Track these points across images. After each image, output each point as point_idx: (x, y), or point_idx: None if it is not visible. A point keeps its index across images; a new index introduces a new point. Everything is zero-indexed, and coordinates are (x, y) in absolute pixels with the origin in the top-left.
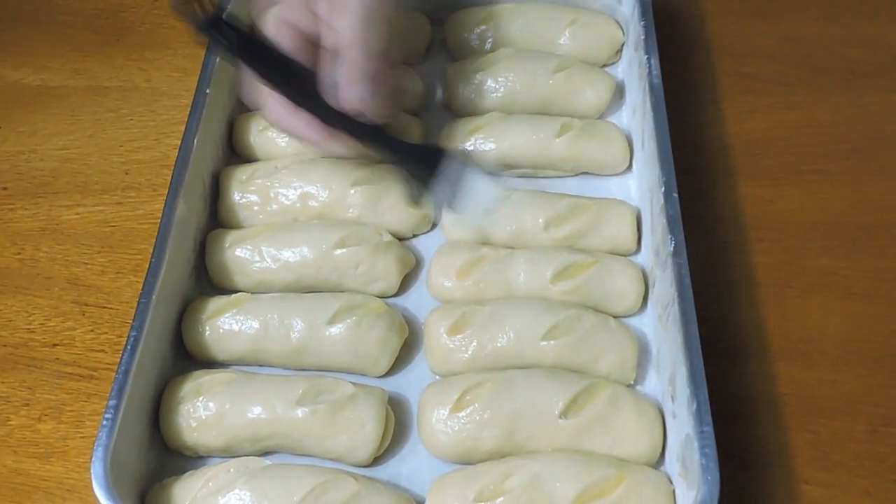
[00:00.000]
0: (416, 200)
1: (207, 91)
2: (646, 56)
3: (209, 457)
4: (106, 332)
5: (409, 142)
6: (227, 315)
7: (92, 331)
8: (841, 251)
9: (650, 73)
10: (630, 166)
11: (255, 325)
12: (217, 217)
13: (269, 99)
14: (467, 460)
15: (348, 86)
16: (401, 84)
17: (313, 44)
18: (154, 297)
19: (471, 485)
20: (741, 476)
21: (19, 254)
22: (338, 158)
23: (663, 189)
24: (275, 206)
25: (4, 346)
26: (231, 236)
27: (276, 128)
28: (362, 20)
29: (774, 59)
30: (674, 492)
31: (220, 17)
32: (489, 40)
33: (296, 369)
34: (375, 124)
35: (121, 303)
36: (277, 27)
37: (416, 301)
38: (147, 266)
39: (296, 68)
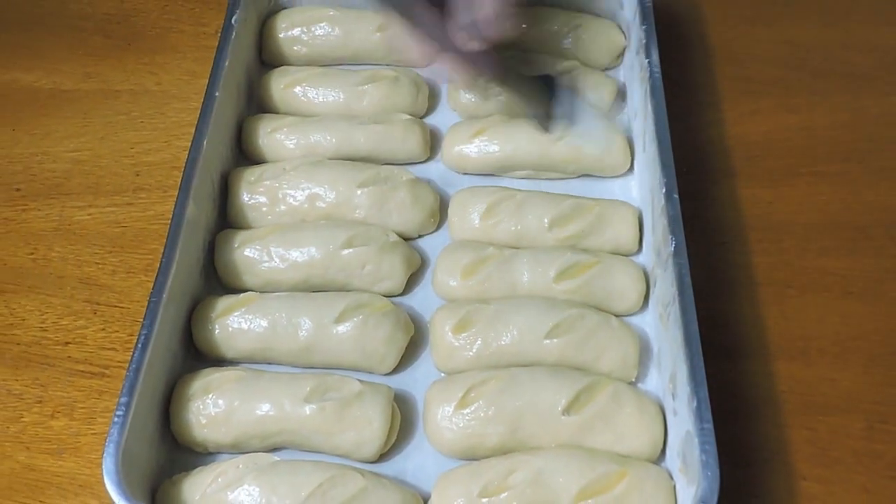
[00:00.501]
0: (542, 124)
1: (217, 94)
2: (647, 60)
3: (218, 453)
4: (117, 331)
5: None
6: (236, 314)
7: (103, 329)
8: (839, 251)
9: (651, 76)
10: (631, 168)
11: (264, 323)
12: (226, 217)
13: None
14: (472, 456)
15: (497, 17)
16: None
17: None
18: (164, 296)
19: (475, 480)
20: (741, 472)
21: (32, 253)
22: (347, 160)
23: (664, 190)
24: (283, 207)
25: (18, 344)
26: (240, 236)
27: (422, 61)
28: None
29: (773, 63)
30: (674, 487)
31: None
32: None
33: (304, 367)
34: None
35: (132, 302)
36: None
37: (421, 300)
38: (157, 266)
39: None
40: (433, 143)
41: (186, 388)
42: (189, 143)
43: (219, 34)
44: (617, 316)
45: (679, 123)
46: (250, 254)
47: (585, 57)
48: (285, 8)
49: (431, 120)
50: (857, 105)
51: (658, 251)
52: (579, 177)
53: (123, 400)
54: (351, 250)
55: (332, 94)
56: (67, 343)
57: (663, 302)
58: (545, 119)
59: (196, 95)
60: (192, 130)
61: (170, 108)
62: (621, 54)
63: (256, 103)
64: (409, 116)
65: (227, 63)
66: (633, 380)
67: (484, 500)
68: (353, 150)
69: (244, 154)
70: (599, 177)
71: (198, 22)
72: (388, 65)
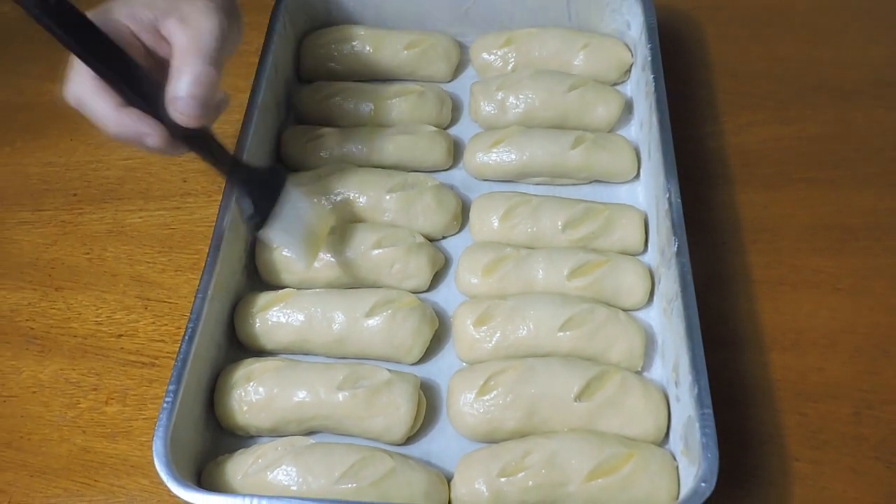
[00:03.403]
0: (248, 219)
1: (257, 107)
2: (652, 76)
3: (259, 436)
4: (166, 325)
5: (250, 165)
6: (275, 308)
7: (153, 323)
8: (829, 251)
9: (656, 90)
10: (638, 175)
11: (301, 317)
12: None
13: (103, 98)
14: (491, 439)
15: (191, 99)
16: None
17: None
18: (209, 292)
19: (495, 461)
20: (738, 454)
21: (88, 253)
22: (376, 167)
23: (668, 195)
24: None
25: (75, 336)
26: None
27: (109, 130)
28: (212, 34)
29: (769, 79)
30: (677, 468)
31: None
32: (511, 61)
33: (337, 357)
34: (210, 136)
35: (179, 298)
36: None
37: (445, 296)
38: (203, 265)
39: (137, 72)
40: (456, 151)
41: (229, 376)
42: (231, 153)
43: (259, 53)
44: (624, 310)
45: (681, 134)
46: (288, 253)
47: (595, 73)
48: (320, 28)
49: (454, 130)
50: (845, 117)
51: (662, 251)
52: (590, 183)
53: (172, 388)
54: (380, 250)
55: (364, 107)
56: (120, 335)
57: (667, 297)
58: (250, 208)
59: (238, 109)
60: (235, 141)
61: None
62: (628, 70)
63: (294, 116)
64: (434, 128)
65: (266, 79)
66: (640, 369)
67: (502, 479)
68: (382, 158)
69: (282, 163)
70: (609, 183)
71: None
72: (414, 80)
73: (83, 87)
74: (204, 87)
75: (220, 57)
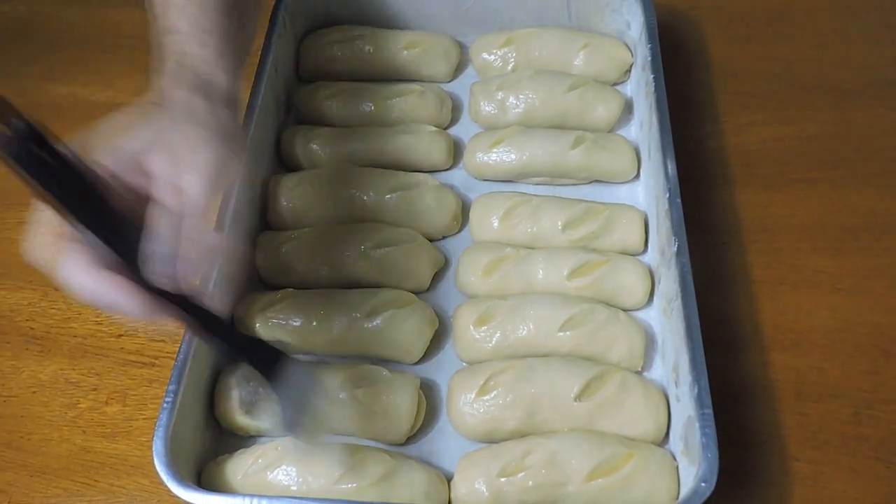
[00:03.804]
0: (245, 408)
1: (258, 107)
2: (652, 76)
3: (259, 436)
4: (166, 324)
5: (246, 335)
6: (276, 308)
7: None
8: (828, 251)
9: (656, 90)
10: (638, 175)
11: (301, 317)
12: (267, 220)
13: (74, 260)
14: (491, 439)
15: (167, 259)
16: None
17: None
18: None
19: (495, 461)
20: (738, 454)
21: None
22: (377, 167)
23: (668, 195)
24: (319, 211)
25: (75, 336)
26: (280, 238)
27: (81, 299)
28: (211, 182)
29: (768, 79)
30: (677, 468)
31: (33, 135)
32: (511, 61)
33: (337, 357)
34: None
35: None
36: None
37: (445, 296)
38: None
39: (116, 220)
40: (456, 151)
41: (229, 376)
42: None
43: (260, 53)
44: (624, 310)
45: (681, 134)
46: (289, 254)
47: (595, 73)
48: (320, 28)
49: (454, 131)
50: (845, 117)
51: (662, 251)
52: (590, 183)
53: (172, 388)
54: (381, 250)
55: (364, 107)
56: (120, 335)
57: (667, 297)
58: (248, 390)
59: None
60: None
61: None
62: (628, 70)
63: (294, 115)
64: (434, 128)
65: (267, 79)
66: (640, 369)
67: (502, 479)
68: (382, 158)
69: (283, 162)
70: (609, 183)
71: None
72: (414, 80)
73: (50, 245)
74: (187, 242)
75: (211, 201)
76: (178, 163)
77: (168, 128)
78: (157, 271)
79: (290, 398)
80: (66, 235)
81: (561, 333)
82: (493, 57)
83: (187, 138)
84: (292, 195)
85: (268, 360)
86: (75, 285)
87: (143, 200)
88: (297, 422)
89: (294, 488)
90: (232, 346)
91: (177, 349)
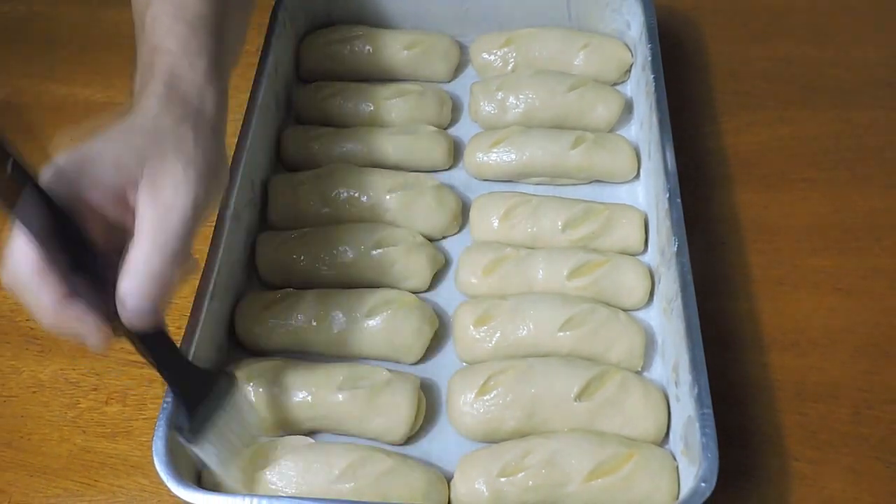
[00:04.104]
0: (182, 432)
1: (257, 107)
2: (652, 76)
3: (259, 436)
4: (167, 324)
5: (189, 362)
6: (275, 308)
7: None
8: (828, 251)
9: (656, 90)
10: (638, 175)
11: (301, 317)
12: (266, 220)
13: (46, 286)
14: (491, 439)
15: (143, 300)
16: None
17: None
18: (209, 292)
19: (495, 461)
20: (738, 453)
21: None
22: (365, 167)
23: (668, 195)
24: (318, 211)
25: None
26: (279, 238)
27: (44, 323)
28: (183, 216)
29: (768, 79)
30: (678, 468)
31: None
32: (511, 61)
33: (337, 357)
34: (163, 333)
35: (180, 297)
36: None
37: (445, 296)
38: (203, 265)
39: (89, 252)
40: (456, 151)
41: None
42: (231, 153)
43: (259, 52)
44: (624, 310)
45: (681, 134)
46: (289, 254)
47: (595, 73)
48: (320, 28)
49: (454, 131)
50: (844, 117)
51: (662, 251)
52: (590, 183)
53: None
54: (381, 250)
55: (364, 107)
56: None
57: (667, 297)
58: (185, 418)
59: (238, 108)
60: (235, 141)
61: None
62: (628, 70)
63: (294, 115)
64: (434, 128)
65: (266, 79)
66: (640, 369)
67: (502, 479)
68: (382, 158)
69: (282, 162)
70: (609, 183)
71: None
72: (414, 80)
73: (24, 270)
74: (160, 286)
75: (188, 243)
76: (158, 202)
77: (154, 160)
78: (128, 309)
79: (225, 431)
80: (41, 262)
81: (561, 333)
82: (493, 57)
83: (173, 175)
84: (292, 195)
85: (215, 392)
86: (43, 311)
87: (117, 228)
88: (228, 455)
89: (294, 488)
90: (181, 379)
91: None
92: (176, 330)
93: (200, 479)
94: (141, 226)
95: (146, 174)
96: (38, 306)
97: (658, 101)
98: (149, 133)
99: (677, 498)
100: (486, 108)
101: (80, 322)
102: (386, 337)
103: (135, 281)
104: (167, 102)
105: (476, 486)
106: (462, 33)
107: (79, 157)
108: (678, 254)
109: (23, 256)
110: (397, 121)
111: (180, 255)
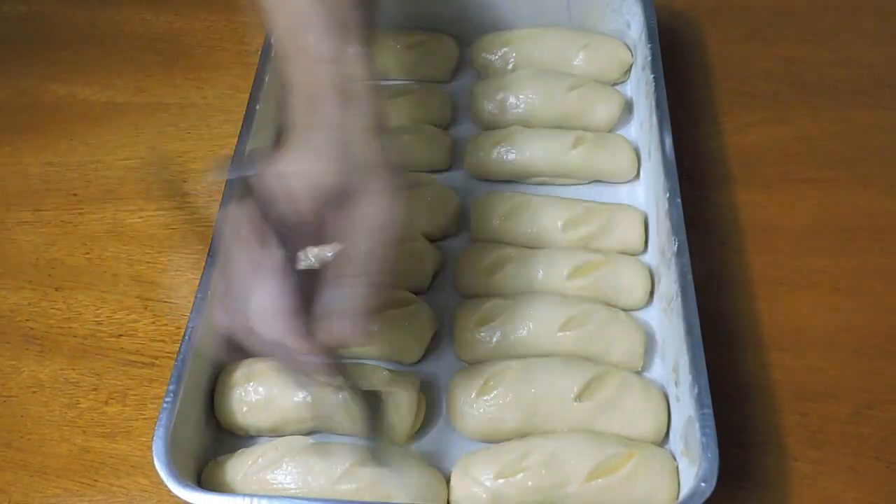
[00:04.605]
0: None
1: (257, 107)
2: (652, 76)
3: (259, 436)
4: (166, 325)
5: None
6: None
7: (153, 323)
8: (828, 251)
9: (656, 90)
10: (638, 175)
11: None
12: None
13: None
14: (491, 439)
15: (353, 316)
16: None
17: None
18: (209, 292)
19: (494, 462)
20: (738, 453)
21: (88, 253)
22: None
23: (668, 195)
24: None
25: (75, 336)
26: None
27: (268, 336)
28: (387, 245)
29: (768, 79)
30: (678, 468)
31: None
32: (511, 61)
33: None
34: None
35: (180, 298)
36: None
37: (445, 296)
38: (203, 265)
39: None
40: (456, 151)
41: (229, 376)
42: (232, 153)
43: (259, 52)
44: (624, 310)
45: (681, 134)
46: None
47: (595, 73)
48: None
49: (454, 131)
50: (844, 117)
51: (662, 251)
52: (590, 183)
53: (172, 388)
54: None
55: None
56: (120, 335)
57: (667, 297)
58: (372, 440)
59: (238, 108)
60: (235, 140)
61: (214, 121)
62: (628, 70)
63: None
64: (434, 128)
65: (267, 78)
66: (640, 369)
67: (502, 480)
68: None
69: None
70: (609, 183)
71: (240, 41)
72: (414, 80)
73: (281, 326)
74: (369, 306)
75: (387, 262)
76: (366, 222)
77: (352, 182)
78: (334, 329)
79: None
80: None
81: (561, 333)
82: (493, 57)
83: (378, 193)
84: None
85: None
86: (298, 345)
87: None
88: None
89: (294, 488)
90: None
91: (177, 349)
92: (176, 330)
93: (200, 478)
94: (353, 241)
95: (359, 185)
96: (289, 351)
97: (658, 101)
98: (339, 158)
99: (677, 498)
100: (487, 108)
101: (295, 337)
102: (386, 337)
103: (344, 295)
104: (348, 125)
105: (475, 486)
106: (462, 33)
107: (281, 176)
108: (678, 254)
109: (282, 308)
110: (397, 121)
111: (384, 277)
